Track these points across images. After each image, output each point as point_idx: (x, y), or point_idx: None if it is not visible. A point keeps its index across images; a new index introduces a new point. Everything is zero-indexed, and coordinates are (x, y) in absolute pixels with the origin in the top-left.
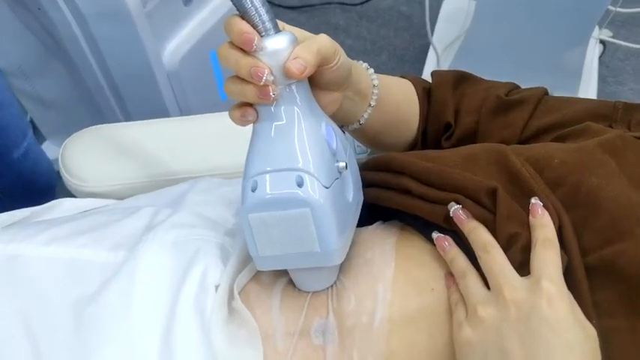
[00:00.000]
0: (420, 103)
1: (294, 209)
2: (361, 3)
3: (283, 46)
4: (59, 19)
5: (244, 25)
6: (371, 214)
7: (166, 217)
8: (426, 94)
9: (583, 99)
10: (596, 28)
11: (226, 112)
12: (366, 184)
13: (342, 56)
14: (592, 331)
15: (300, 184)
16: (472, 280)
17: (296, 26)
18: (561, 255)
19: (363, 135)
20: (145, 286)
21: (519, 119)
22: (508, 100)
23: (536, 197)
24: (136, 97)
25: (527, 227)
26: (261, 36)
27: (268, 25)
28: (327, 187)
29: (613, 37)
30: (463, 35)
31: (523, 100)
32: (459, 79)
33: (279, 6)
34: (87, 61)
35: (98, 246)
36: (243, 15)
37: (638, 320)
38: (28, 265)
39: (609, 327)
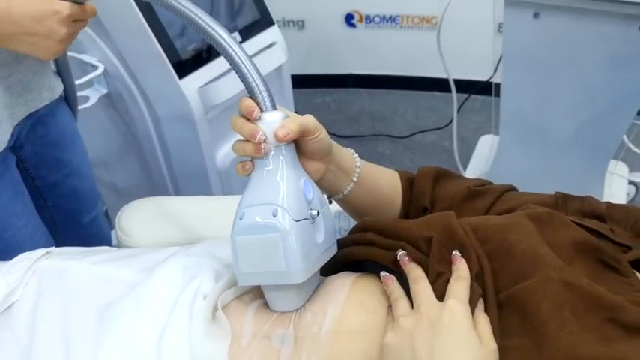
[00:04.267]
0: (402, 190)
1: (268, 234)
2: (408, 136)
3: (276, 118)
4: (140, 119)
5: (250, 102)
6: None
7: (184, 250)
8: (409, 183)
9: (536, 193)
10: (624, 167)
11: None
12: (345, 245)
13: (322, 133)
14: (492, 345)
15: (274, 215)
16: (401, 303)
17: None
18: (476, 288)
19: (349, 207)
20: (154, 294)
21: (483, 206)
22: (476, 190)
23: (457, 250)
24: (191, 191)
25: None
26: (262, 110)
27: (268, 103)
28: (296, 221)
29: None
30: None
31: (488, 191)
32: (440, 174)
33: (334, 135)
34: (156, 155)
35: (129, 268)
36: (251, 95)
37: (528, 339)
38: (73, 277)
39: (509, 345)
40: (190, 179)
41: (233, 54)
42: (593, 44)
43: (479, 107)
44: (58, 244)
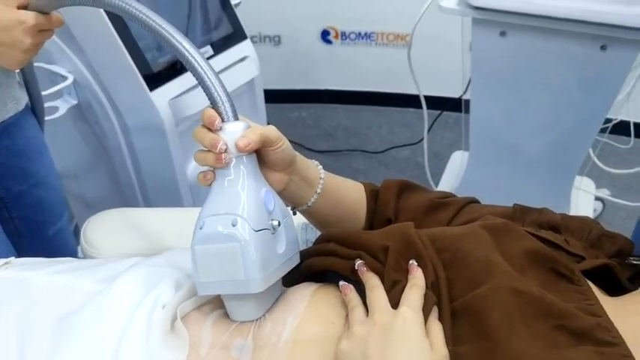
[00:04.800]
0: (367, 201)
1: (227, 243)
2: (382, 151)
3: (237, 128)
4: (110, 131)
5: (212, 112)
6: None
7: (145, 260)
8: (374, 195)
9: (497, 205)
10: (592, 184)
11: None
12: (308, 256)
13: (285, 143)
14: (443, 352)
15: (234, 225)
16: (357, 311)
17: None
18: (430, 296)
19: (314, 218)
20: (113, 304)
21: (445, 217)
22: (438, 203)
23: (414, 259)
24: (161, 203)
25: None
26: (223, 120)
27: (230, 114)
28: (256, 231)
29: (612, 195)
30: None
31: (451, 203)
32: (405, 187)
33: (310, 149)
34: (126, 167)
35: (90, 278)
36: (213, 105)
37: (479, 345)
38: (32, 287)
39: (460, 352)
40: (161, 191)
41: (196, 64)
42: (559, 63)
43: (452, 124)
44: (23, 256)
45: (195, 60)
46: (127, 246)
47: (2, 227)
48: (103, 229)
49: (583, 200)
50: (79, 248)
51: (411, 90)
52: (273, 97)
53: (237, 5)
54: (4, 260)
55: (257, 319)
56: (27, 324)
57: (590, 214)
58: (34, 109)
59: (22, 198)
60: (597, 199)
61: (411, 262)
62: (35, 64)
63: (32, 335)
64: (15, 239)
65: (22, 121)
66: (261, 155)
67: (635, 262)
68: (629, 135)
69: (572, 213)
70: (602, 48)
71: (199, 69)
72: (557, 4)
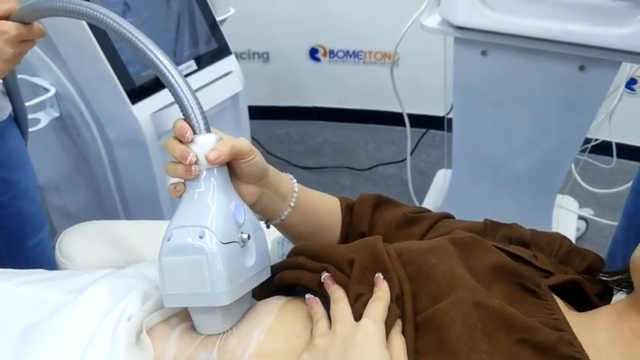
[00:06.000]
0: (342, 215)
1: (194, 255)
2: (369, 168)
3: (208, 141)
4: (91, 143)
5: (183, 124)
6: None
7: (115, 271)
8: (349, 209)
9: (468, 221)
10: (575, 203)
11: None
12: (279, 269)
13: (256, 156)
14: None
15: (201, 237)
16: (321, 323)
17: (306, 184)
18: (394, 309)
19: (287, 231)
20: (79, 316)
21: (419, 232)
22: (412, 217)
23: (380, 273)
24: (142, 215)
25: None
26: (195, 132)
27: (202, 126)
28: (223, 243)
29: (596, 215)
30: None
31: (424, 218)
32: (380, 201)
33: (296, 166)
34: (107, 179)
35: (58, 290)
36: (185, 117)
37: (440, 357)
38: None
39: None
40: (142, 203)
41: (169, 76)
42: (540, 82)
43: (438, 142)
44: (1, 267)
45: (169, 72)
46: (102, 258)
47: None
48: (79, 240)
49: (566, 219)
50: None
51: (397, 108)
52: (260, 113)
53: (223, 22)
54: None
55: (224, 333)
56: None
57: (573, 233)
58: (17, 119)
59: (3, 209)
60: (581, 218)
61: (377, 275)
62: (18, 76)
63: None
64: None
65: (6, 131)
66: (232, 168)
67: (604, 278)
68: (612, 155)
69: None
70: (581, 68)
71: (172, 80)
72: (537, 25)
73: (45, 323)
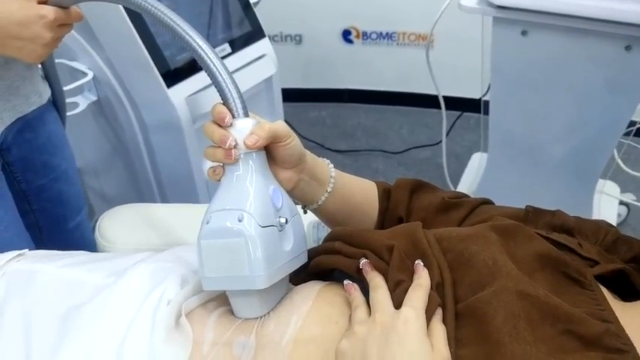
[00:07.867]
0: (379, 200)
1: (233, 238)
2: (402, 152)
3: (247, 125)
4: (128, 127)
5: (222, 108)
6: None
7: (153, 255)
8: (386, 194)
9: (509, 206)
10: (616, 188)
11: None
12: (316, 254)
13: (294, 140)
14: (444, 353)
15: (240, 220)
16: (360, 310)
17: (339, 167)
18: (434, 297)
19: (325, 216)
20: (119, 299)
21: (457, 218)
22: (450, 202)
23: (420, 260)
24: (177, 199)
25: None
26: (234, 117)
27: (240, 110)
28: (262, 227)
29: (638, 200)
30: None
31: (463, 203)
32: (417, 186)
33: (329, 149)
34: (143, 163)
35: (99, 272)
36: (224, 101)
37: (481, 348)
38: (40, 280)
39: (462, 355)
40: (177, 187)
41: (208, 61)
42: (582, 64)
43: (473, 125)
44: (42, 250)
45: (208, 56)
46: (140, 240)
47: (23, 220)
48: (118, 223)
49: (606, 204)
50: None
51: (431, 90)
52: (293, 96)
53: (256, 4)
54: (17, 252)
55: (261, 317)
56: (34, 316)
57: (614, 219)
58: (56, 103)
59: (43, 191)
60: (622, 203)
61: (417, 262)
62: (56, 61)
63: (39, 327)
64: (35, 233)
65: (45, 115)
66: (270, 152)
67: None
68: None
69: (594, 217)
70: (627, 48)
71: (211, 65)
72: (581, 3)
73: (86, 306)
